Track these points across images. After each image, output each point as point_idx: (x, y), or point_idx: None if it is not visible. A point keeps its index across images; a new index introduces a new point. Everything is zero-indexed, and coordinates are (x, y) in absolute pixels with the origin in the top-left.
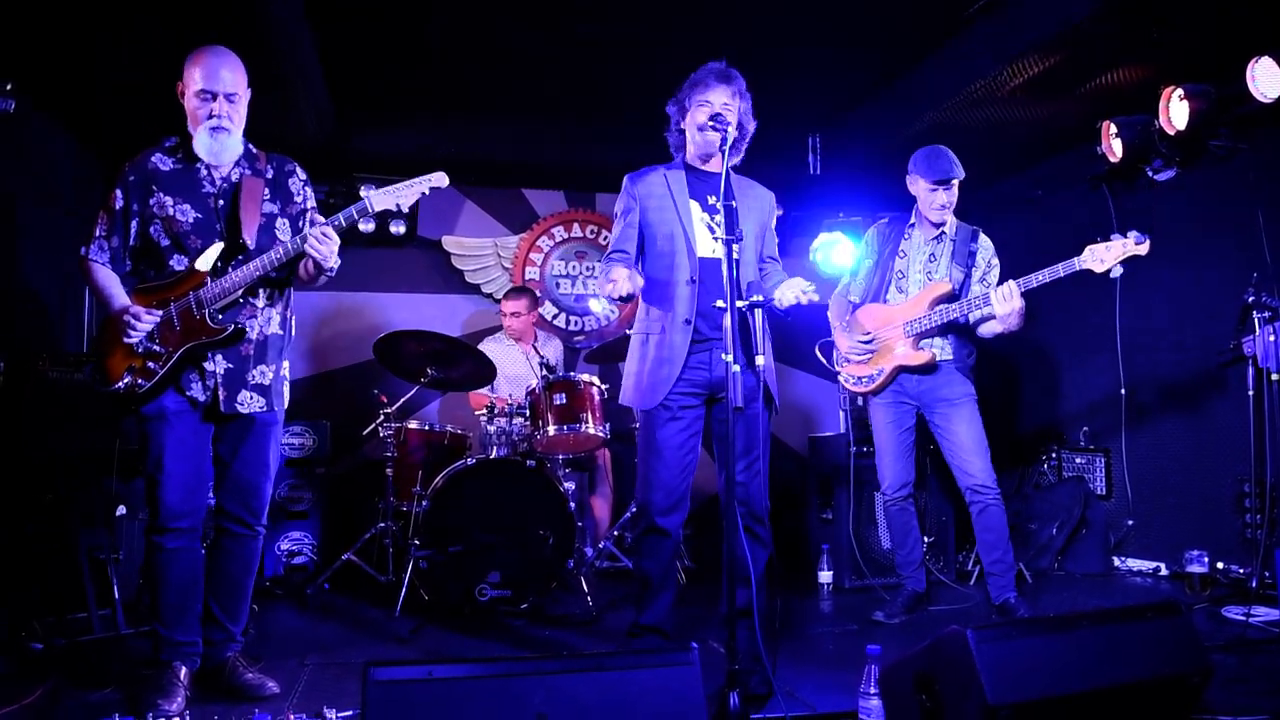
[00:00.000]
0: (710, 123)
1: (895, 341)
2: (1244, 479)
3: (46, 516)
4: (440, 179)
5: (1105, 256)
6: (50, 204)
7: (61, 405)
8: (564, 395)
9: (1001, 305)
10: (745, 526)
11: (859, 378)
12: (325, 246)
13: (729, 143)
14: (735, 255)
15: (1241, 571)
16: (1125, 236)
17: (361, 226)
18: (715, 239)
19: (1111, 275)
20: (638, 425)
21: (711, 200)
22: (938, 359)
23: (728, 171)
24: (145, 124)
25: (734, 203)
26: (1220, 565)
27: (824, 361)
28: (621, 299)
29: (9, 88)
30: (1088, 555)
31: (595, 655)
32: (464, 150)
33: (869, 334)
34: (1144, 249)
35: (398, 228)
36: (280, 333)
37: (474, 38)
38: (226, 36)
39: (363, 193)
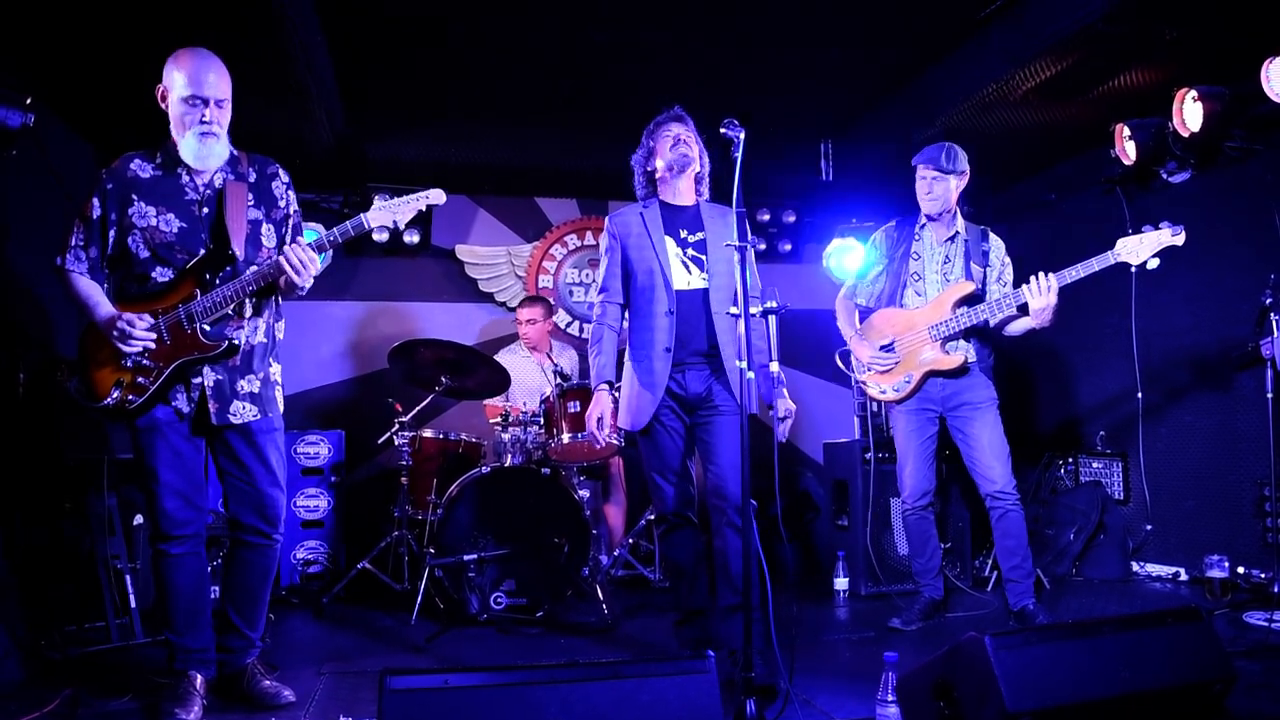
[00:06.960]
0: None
1: (920, 346)
2: (1264, 482)
3: (65, 525)
4: (438, 196)
5: (1140, 250)
6: (69, 213)
7: (80, 415)
8: (578, 403)
9: (1037, 299)
10: (727, 521)
11: (887, 388)
12: (304, 274)
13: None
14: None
15: (1263, 576)
16: (1158, 228)
17: (375, 237)
18: (690, 273)
19: (1148, 268)
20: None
21: (684, 235)
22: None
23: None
24: (159, 128)
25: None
26: (1241, 570)
27: (845, 370)
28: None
29: (29, 101)
30: (1106, 560)
31: (611, 664)
32: (477, 158)
33: (889, 340)
34: (1180, 239)
35: (411, 237)
36: (265, 341)
37: (487, 46)
38: (242, 44)
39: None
